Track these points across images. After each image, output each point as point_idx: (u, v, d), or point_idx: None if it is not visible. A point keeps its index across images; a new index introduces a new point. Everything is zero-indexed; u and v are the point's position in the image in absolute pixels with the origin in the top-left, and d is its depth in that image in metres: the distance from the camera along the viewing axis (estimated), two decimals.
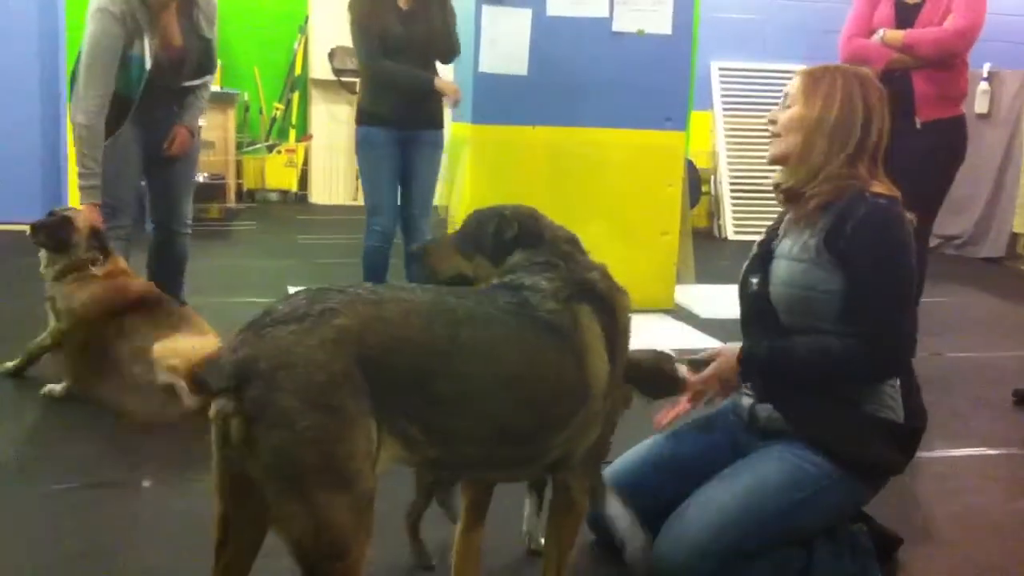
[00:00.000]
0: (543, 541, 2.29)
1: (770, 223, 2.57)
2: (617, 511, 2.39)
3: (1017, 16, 8.97)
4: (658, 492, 2.43)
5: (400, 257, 4.57)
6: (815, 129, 2.34)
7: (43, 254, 3.71)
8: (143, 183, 4.20)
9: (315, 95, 9.32)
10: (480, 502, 2.19)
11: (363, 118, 4.70)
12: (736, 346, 2.42)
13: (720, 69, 8.98)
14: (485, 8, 5.10)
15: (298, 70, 9.27)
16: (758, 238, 2.57)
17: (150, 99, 3.91)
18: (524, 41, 5.16)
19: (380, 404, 1.69)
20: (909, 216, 2.35)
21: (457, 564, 2.19)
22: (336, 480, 1.64)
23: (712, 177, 8.79)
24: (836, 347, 2.29)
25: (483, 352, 1.84)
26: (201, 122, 4.34)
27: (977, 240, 7.91)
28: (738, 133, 8.82)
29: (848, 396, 2.34)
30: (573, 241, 2.16)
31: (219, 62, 7.21)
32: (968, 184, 6.85)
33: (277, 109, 9.27)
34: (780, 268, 2.39)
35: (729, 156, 8.79)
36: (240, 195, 9.10)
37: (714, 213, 8.81)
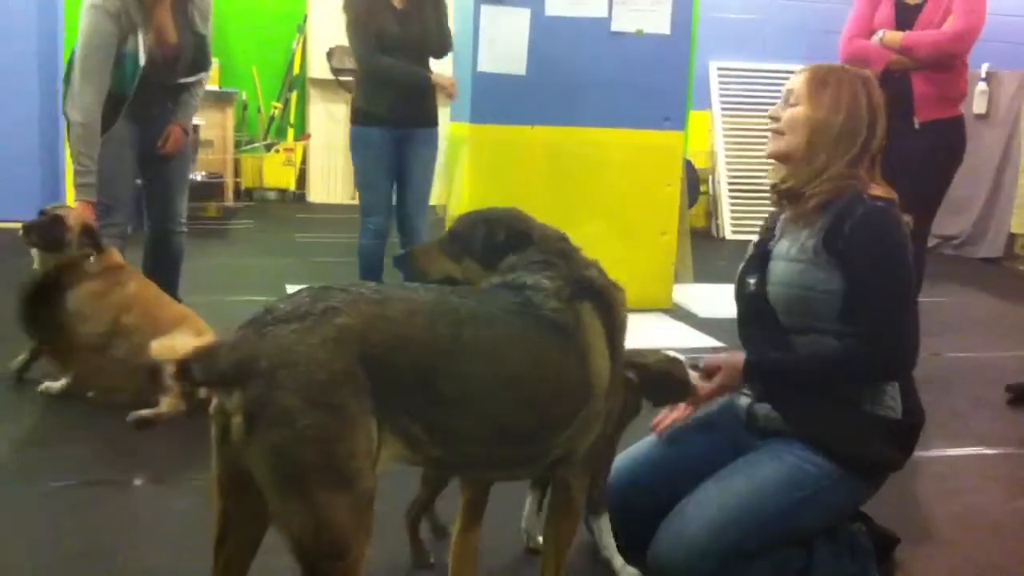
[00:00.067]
0: (541, 540, 2.29)
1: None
2: (610, 549, 2.40)
3: (1016, 17, 8.97)
4: (657, 490, 2.43)
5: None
6: (821, 131, 2.34)
7: (35, 253, 3.65)
8: (139, 181, 4.19)
9: (313, 94, 9.31)
10: (477, 502, 2.19)
11: (358, 117, 4.70)
12: (739, 356, 2.40)
13: (719, 69, 8.98)
14: (484, 8, 5.10)
15: (296, 69, 9.26)
16: (754, 239, 2.58)
17: (144, 96, 3.90)
18: (523, 41, 5.16)
19: (382, 403, 1.69)
20: (906, 219, 2.36)
21: (454, 564, 2.19)
22: (336, 479, 1.64)
23: (710, 177, 8.79)
24: (839, 352, 2.30)
25: (486, 352, 1.84)
26: (198, 120, 4.33)
27: (975, 240, 7.92)
28: (736, 133, 8.82)
29: (847, 396, 2.34)
30: (565, 239, 2.15)
31: (218, 61, 7.22)
32: (966, 184, 6.85)
33: (275, 108, 9.26)
34: (778, 268, 2.39)
35: (727, 156, 8.79)
36: (238, 194, 9.10)
37: (712, 213, 8.81)
